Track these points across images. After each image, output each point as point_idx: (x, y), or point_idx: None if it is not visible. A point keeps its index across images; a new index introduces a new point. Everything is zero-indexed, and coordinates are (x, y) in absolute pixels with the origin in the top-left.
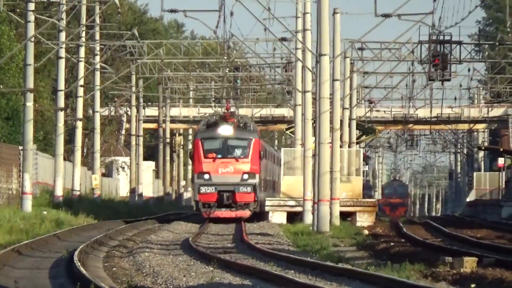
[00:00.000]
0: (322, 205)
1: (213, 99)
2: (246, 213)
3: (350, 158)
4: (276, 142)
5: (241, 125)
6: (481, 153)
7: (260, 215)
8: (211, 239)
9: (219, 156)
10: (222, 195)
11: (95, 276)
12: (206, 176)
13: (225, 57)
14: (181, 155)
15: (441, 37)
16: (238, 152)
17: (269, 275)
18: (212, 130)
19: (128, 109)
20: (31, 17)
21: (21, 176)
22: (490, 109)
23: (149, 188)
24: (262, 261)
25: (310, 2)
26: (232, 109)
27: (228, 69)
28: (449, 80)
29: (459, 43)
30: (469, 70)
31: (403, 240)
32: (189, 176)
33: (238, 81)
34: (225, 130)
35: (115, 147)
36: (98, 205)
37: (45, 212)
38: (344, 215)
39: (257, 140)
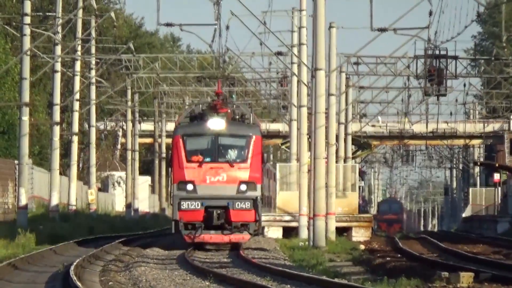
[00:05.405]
0: (317, 220)
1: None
2: (245, 237)
3: (345, 173)
4: (271, 157)
5: (237, 117)
6: (477, 169)
7: None
8: (207, 254)
9: (208, 159)
10: (211, 213)
11: None
12: (190, 187)
13: (220, 72)
14: None
15: (437, 52)
16: (233, 154)
17: None
18: (197, 124)
19: (123, 123)
20: (27, 30)
21: (16, 190)
22: (485, 124)
23: (145, 203)
24: (259, 276)
25: (306, 16)
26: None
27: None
28: (444, 95)
29: (455, 58)
30: (464, 85)
31: (399, 255)
32: None
33: (233, 96)
34: (215, 124)
35: (111, 161)
36: (94, 219)
37: (41, 227)
38: (340, 230)
39: (258, 137)
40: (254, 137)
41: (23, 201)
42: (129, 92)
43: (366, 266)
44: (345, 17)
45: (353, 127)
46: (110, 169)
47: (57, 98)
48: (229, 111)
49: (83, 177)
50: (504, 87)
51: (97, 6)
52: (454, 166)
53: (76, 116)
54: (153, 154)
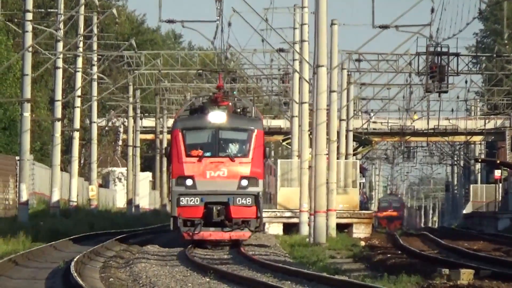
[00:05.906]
0: (318, 216)
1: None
2: (245, 234)
3: (346, 169)
4: (272, 153)
5: (239, 110)
6: (478, 165)
7: None
8: (208, 250)
9: (208, 154)
10: (211, 209)
11: (92, 286)
12: (189, 182)
13: (222, 69)
14: None
15: (439, 49)
16: (234, 148)
17: (266, 286)
18: (197, 117)
19: (125, 119)
20: (29, 27)
21: (17, 186)
22: (487, 121)
23: (145, 199)
24: (259, 272)
25: (308, 13)
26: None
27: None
28: (446, 92)
29: (457, 55)
30: (466, 82)
31: (399, 252)
32: None
33: (235, 92)
34: (216, 117)
35: (112, 158)
36: (95, 216)
37: (41, 223)
38: (340, 227)
39: (260, 131)
40: (256, 131)
41: (24, 197)
42: (130, 88)
43: (367, 262)
44: (346, 14)
45: (355, 123)
46: (111, 165)
47: (58, 94)
48: (230, 104)
49: (84, 173)
50: (505, 84)
51: (99, 2)
52: (455, 162)
53: (77, 112)
54: (154, 150)
